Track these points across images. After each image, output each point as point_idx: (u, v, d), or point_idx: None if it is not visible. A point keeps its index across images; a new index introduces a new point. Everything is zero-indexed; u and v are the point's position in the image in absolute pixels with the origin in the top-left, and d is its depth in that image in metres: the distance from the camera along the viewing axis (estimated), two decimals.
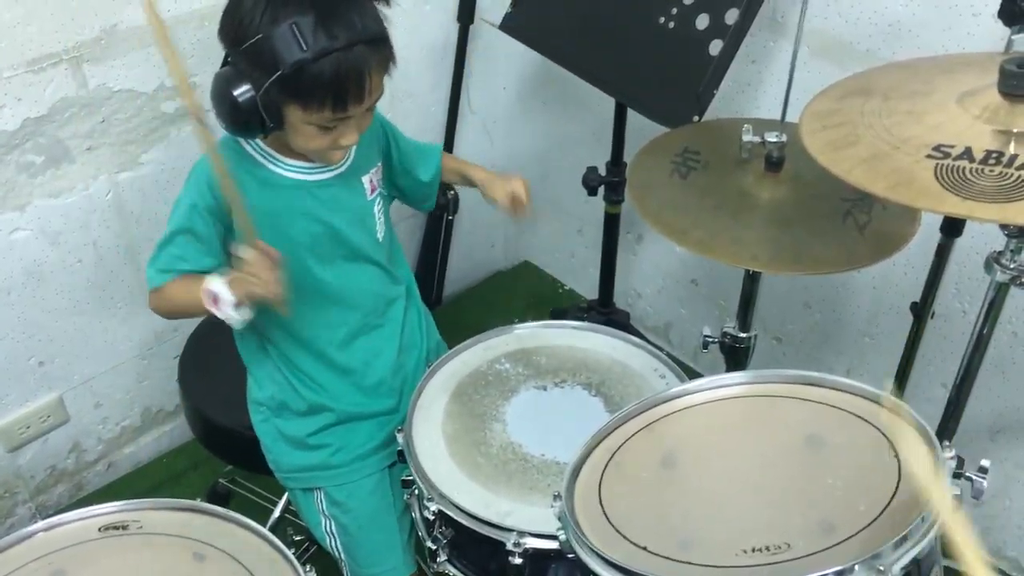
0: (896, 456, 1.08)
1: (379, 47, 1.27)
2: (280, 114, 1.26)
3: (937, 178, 1.10)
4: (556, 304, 2.67)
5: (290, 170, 1.37)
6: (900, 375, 1.81)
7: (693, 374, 1.42)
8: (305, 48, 1.19)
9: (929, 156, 1.13)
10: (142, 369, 2.20)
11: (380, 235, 1.50)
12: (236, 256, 1.29)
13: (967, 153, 1.12)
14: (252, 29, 1.21)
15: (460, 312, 2.71)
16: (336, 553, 1.59)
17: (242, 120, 1.26)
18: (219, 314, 1.29)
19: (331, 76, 1.22)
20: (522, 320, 1.65)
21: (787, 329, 2.25)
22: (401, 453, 1.43)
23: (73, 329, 2.03)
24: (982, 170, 1.10)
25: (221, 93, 1.25)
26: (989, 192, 1.07)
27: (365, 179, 1.46)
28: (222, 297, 1.27)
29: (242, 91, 1.23)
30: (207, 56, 1.92)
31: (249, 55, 1.22)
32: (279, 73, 1.20)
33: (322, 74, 1.21)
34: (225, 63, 1.29)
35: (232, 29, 1.25)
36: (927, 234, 1.51)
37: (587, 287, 2.66)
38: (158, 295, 1.38)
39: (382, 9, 1.28)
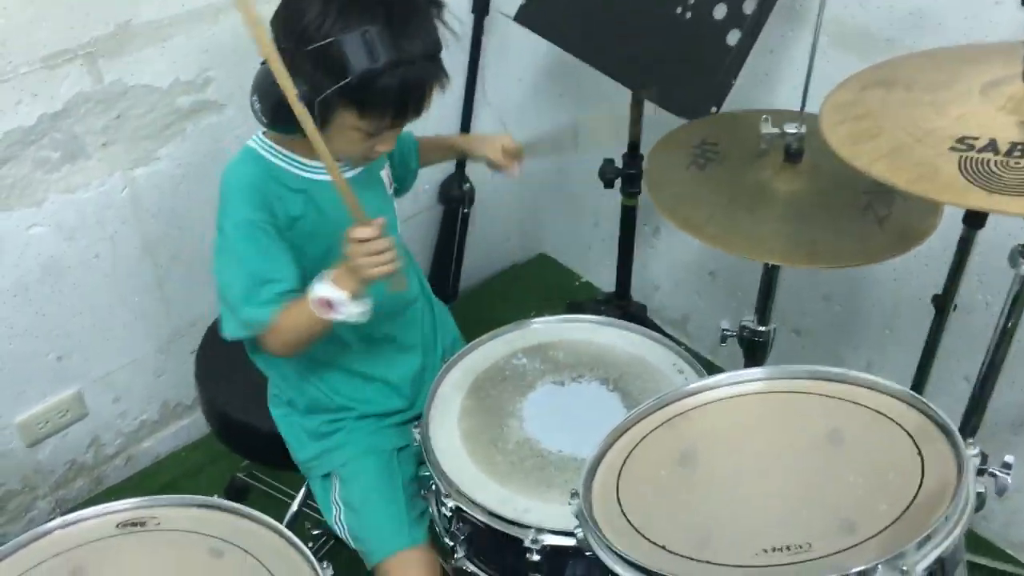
0: (919, 454, 1.06)
1: (439, 63, 1.28)
2: (331, 116, 1.23)
3: (961, 171, 1.08)
4: (573, 297, 2.65)
5: (315, 172, 1.34)
6: (921, 369, 1.79)
7: (712, 367, 1.41)
8: (376, 59, 1.17)
9: (953, 148, 1.12)
10: (160, 363, 2.20)
11: (398, 231, 1.49)
12: (346, 241, 1.23)
13: (992, 145, 1.10)
14: (320, 32, 1.18)
15: (476, 305, 2.70)
16: (348, 541, 1.59)
17: (289, 117, 1.20)
18: (339, 317, 1.25)
19: (397, 89, 1.21)
20: (539, 313, 1.63)
21: (806, 322, 2.23)
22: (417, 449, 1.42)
23: (91, 324, 2.04)
24: (1007, 162, 1.08)
25: (270, 89, 1.19)
26: (1015, 185, 1.05)
27: (384, 174, 1.45)
28: (335, 299, 1.24)
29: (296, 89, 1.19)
30: (220, 51, 1.93)
31: (313, 57, 1.19)
32: (345, 81, 1.18)
33: (389, 86, 1.20)
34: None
35: (296, 27, 1.21)
36: (948, 226, 1.49)
37: (604, 280, 2.64)
38: (274, 334, 1.31)
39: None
